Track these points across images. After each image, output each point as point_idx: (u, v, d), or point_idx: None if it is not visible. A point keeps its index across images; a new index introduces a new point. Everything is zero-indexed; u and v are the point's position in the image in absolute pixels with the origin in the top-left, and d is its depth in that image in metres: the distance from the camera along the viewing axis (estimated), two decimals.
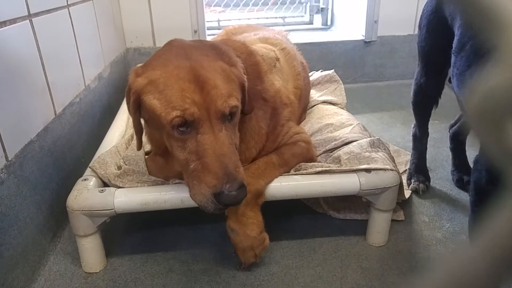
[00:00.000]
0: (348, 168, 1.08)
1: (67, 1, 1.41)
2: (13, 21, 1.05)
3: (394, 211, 1.20)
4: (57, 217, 1.22)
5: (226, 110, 0.88)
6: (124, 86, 1.49)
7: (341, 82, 1.67)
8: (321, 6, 3.26)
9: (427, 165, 1.43)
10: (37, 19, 1.17)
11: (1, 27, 1.00)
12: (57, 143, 1.25)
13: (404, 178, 1.42)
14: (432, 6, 1.17)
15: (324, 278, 1.04)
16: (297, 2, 3.51)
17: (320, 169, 1.08)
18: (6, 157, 0.98)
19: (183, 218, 1.30)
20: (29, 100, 1.11)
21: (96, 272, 1.10)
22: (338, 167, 1.10)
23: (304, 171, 1.09)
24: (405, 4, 2.32)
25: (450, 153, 1.48)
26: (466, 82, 0.93)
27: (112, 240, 1.20)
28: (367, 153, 1.13)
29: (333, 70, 1.73)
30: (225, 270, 1.08)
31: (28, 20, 1.12)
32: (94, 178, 1.10)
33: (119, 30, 2.19)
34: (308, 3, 3.34)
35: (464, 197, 1.35)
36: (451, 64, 1.02)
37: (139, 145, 1.04)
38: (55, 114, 1.26)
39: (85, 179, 1.09)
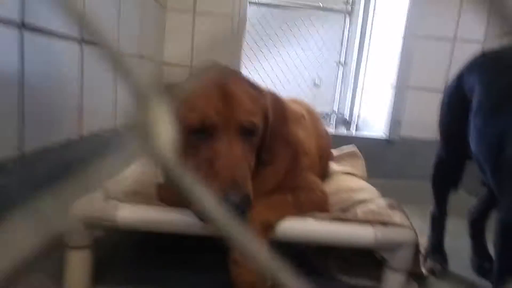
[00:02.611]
0: (364, 218, 1.03)
1: (118, 46, 1.55)
2: (66, 37, 1.15)
3: (408, 284, 1.09)
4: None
5: (246, 124, 0.89)
6: None
7: (362, 158, 1.68)
8: (347, 120, 3.46)
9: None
10: (87, 47, 1.28)
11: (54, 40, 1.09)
12: (74, 162, 1.26)
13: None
14: (453, 86, 1.24)
15: None
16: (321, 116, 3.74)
17: (335, 214, 1.04)
18: (21, 151, 0.98)
19: (183, 262, 1.22)
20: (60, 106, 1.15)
21: None
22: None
23: (319, 215, 1.04)
24: (428, 109, 2.42)
25: (468, 246, 1.40)
26: (483, 136, 0.94)
27: (103, 271, 1.11)
28: (384, 210, 1.09)
29: (354, 146, 1.75)
30: None
31: (78, 44, 1.23)
32: (101, 193, 1.07)
33: None
34: (335, 115, 3.56)
35: (486, 284, 1.23)
36: (471, 127, 1.05)
37: None
38: (80, 136, 1.29)
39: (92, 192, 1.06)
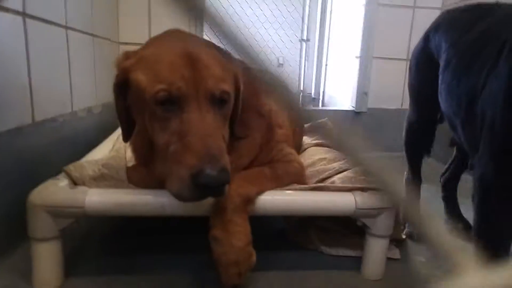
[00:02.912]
0: (343, 185, 1.02)
1: (66, 22, 1.43)
2: (6, 9, 1.04)
3: (390, 249, 1.10)
4: (11, 229, 1.07)
5: (216, 92, 0.83)
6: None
7: (333, 127, 1.66)
8: (313, 96, 3.46)
9: None
10: (31, 21, 1.16)
11: None
12: (29, 150, 1.16)
13: None
14: (420, 46, 1.24)
15: None
16: None
17: (314, 185, 1.02)
18: None
19: (161, 245, 1.17)
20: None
21: None
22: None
23: (298, 186, 1.02)
24: (393, 78, 2.45)
25: (440, 209, 1.44)
26: (453, 91, 0.95)
27: (74, 260, 1.05)
28: (362, 177, 1.08)
29: (326, 118, 1.73)
30: None
31: (22, 17, 1.12)
32: (67, 180, 0.99)
33: None
34: (300, 93, 3.54)
35: (460, 243, 1.27)
36: (439, 83, 1.05)
37: (124, 136, 0.96)
38: (33, 120, 1.19)
39: (56, 179, 0.98)
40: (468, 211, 1.42)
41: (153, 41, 0.92)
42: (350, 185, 1.02)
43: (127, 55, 0.90)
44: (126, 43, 2.24)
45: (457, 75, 0.95)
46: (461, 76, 0.92)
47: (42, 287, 0.93)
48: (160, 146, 0.85)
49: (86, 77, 1.70)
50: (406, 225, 1.32)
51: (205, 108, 0.82)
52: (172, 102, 0.81)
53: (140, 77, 0.84)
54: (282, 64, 4.53)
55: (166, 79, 0.80)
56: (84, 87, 1.67)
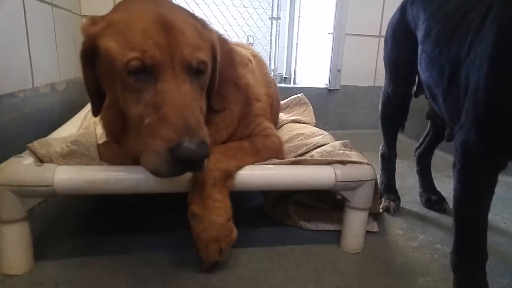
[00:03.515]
0: (323, 158, 1.01)
1: None
2: None
3: (368, 223, 1.11)
4: None
5: (193, 61, 0.78)
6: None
7: (309, 104, 1.65)
8: (284, 76, 3.43)
9: None
10: None
11: None
12: None
13: None
14: (396, 18, 1.24)
15: (298, 280, 0.90)
16: None
17: (294, 158, 1.00)
18: None
19: (137, 224, 1.14)
20: None
21: (18, 275, 0.87)
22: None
23: (278, 161, 1.00)
24: (365, 55, 2.46)
25: (414, 184, 1.48)
26: (434, 60, 0.95)
27: (45, 242, 1.00)
28: (340, 151, 1.07)
29: (302, 94, 1.72)
30: (183, 272, 0.91)
31: None
32: (32, 158, 0.93)
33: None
34: (271, 73, 3.49)
35: (434, 215, 1.31)
36: (419, 54, 1.05)
37: (94, 110, 0.90)
38: None
39: (20, 156, 0.92)
40: (441, 184, 1.46)
41: (123, 5, 0.85)
42: (329, 158, 1.01)
43: (93, 21, 0.83)
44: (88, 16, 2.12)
45: (439, 44, 0.94)
46: (443, 45, 0.92)
47: (10, 272, 0.88)
48: (133, 119, 0.80)
49: (47, 51, 1.59)
50: (383, 199, 1.34)
51: (181, 77, 0.77)
52: (145, 72, 0.76)
53: (110, 44, 0.77)
54: (252, 43, 4.46)
55: (139, 46, 0.75)
56: (46, 61, 1.56)
